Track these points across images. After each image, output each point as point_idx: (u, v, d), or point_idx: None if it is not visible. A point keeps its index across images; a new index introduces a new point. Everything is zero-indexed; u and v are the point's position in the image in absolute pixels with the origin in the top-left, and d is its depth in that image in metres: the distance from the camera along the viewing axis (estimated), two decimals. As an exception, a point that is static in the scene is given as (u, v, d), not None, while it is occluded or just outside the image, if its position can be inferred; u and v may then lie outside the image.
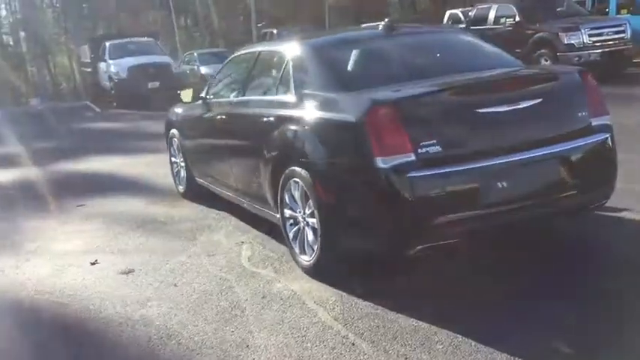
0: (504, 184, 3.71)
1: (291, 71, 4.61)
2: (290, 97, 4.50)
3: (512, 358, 2.98)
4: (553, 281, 3.82)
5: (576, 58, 13.12)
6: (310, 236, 4.20)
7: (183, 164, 6.74)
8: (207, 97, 6.09)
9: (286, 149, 4.38)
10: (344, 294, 3.89)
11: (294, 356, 3.22)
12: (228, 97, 5.77)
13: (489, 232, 3.88)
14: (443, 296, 3.76)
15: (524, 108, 3.78)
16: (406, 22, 23.09)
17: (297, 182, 4.21)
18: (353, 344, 3.27)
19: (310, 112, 4.20)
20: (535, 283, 3.84)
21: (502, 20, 15.36)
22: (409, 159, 3.54)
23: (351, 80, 4.26)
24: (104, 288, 4.46)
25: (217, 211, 6.14)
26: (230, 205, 5.87)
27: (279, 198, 4.47)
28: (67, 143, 13.44)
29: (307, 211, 4.18)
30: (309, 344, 3.32)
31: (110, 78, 22.44)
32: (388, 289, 3.92)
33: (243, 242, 5.16)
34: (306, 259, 4.26)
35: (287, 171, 4.29)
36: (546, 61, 13.65)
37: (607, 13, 16.83)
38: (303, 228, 4.28)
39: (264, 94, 5.08)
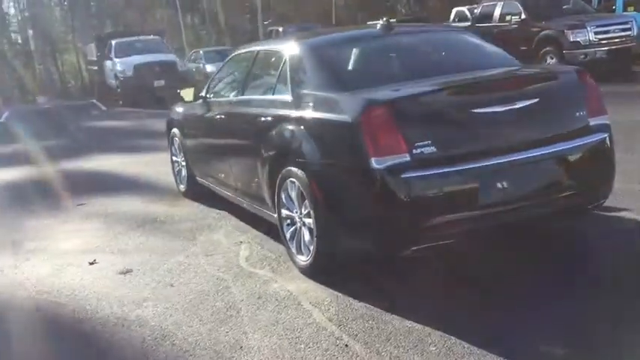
0: (501, 184, 3.69)
1: (288, 71, 4.59)
2: (287, 97, 4.49)
3: (505, 360, 2.97)
4: (550, 282, 3.80)
5: (582, 56, 13.05)
6: (307, 236, 4.20)
7: (184, 163, 6.75)
8: (207, 96, 6.09)
9: (283, 149, 4.37)
10: (340, 294, 3.88)
11: (287, 358, 3.21)
12: (228, 96, 5.78)
13: (486, 232, 3.86)
14: (438, 297, 3.74)
15: (520, 108, 3.75)
16: (410, 20, 23.12)
17: (293, 182, 4.20)
18: (346, 345, 3.26)
19: (306, 112, 4.19)
20: (531, 284, 3.81)
21: (508, 18, 15.29)
22: (404, 159, 3.52)
23: (348, 80, 4.25)
24: (102, 288, 4.46)
25: (218, 211, 6.14)
26: (230, 205, 5.86)
27: (276, 198, 4.47)
28: (71, 142, 13.50)
29: (304, 212, 4.18)
30: (302, 346, 3.31)
31: (116, 76, 22.48)
32: (384, 289, 3.91)
33: (242, 242, 5.16)
34: (303, 260, 4.26)
35: (284, 171, 4.28)
36: (552, 58, 13.60)
37: (613, 11, 16.72)
38: (300, 228, 4.28)
39: (263, 93, 5.09)
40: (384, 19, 4.87)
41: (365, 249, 3.96)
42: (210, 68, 22.78)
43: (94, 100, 25.82)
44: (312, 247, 4.12)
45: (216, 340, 3.47)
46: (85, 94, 34.96)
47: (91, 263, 4.99)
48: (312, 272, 4.19)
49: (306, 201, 4.07)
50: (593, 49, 13.16)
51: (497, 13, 15.64)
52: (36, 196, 7.82)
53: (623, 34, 13.49)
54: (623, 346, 3.05)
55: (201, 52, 26.54)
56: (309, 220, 4.10)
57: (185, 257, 4.93)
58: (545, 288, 3.74)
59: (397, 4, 38.04)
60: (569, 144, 3.87)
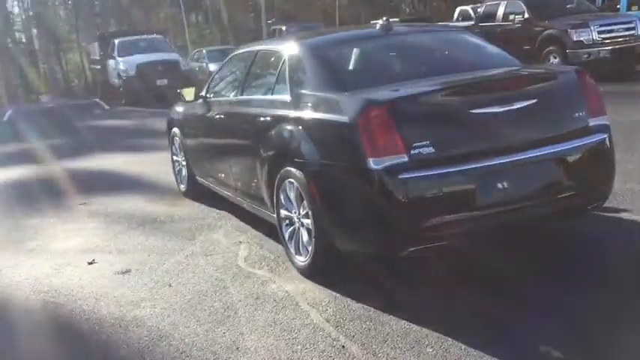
0: (499, 185, 3.66)
1: (287, 71, 4.58)
2: (286, 97, 4.48)
3: (501, 362, 2.95)
4: (550, 282, 3.78)
5: (585, 56, 13.00)
6: (305, 237, 4.19)
7: (184, 163, 6.74)
8: (207, 95, 6.08)
9: (281, 149, 4.36)
10: (338, 295, 3.87)
11: (283, 359, 3.20)
12: (227, 96, 5.77)
13: (485, 233, 3.82)
14: (437, 297, 3.72)
15: (519, 108, 3.72)
16: (413, 19, 23.10)
17: (292, 183, 4.19)
18: (343, 347, 3.24)
19: (305, 112, 4.17)
20: (531, 284, 3.79)
21: (511, 17, 15.25)
22: (402, 160, 3.50)
23: (347, 80, 4.23)
24: (100, 288, 4.46)
25: (217, 211, 6.13)
26: (230, 205, 5.86)
27: (274, 198, 4.46)
28: (74, 141, 13.53)
29: (302, 212, 4.17)
30: (299, 347, 3.30)
31: (119, 75, 22.51)
32: (382, 290, 3.89)
33: (241, 242, 5.15)
34: (301, 260, 4.25)
35: (282, 171, 4.27)
36: (555, 58, 13.55)
37: (617, 10, 16.66)
38: (298, 228, 4.27)
39: (262, 93, 5.07)
40: (384, 18, 4.85)
41: (362, 249, 3.95)
42: (213, 67, 22.70)
43: (97, 99, 25.87)
44: (310, 248, 4.11)
45: (213, 340, 3.46)
46: (89, 93, 35.07)
47: (90, 263, 4.99)
48: (311, 273, 4.18)
49: (305, 201, 4.06)
50: (596, 49, 13.10)
51: (500, 12, 15.61)
52: (39, 195, 7.86)
53: (626, 33, 13.42)
54: (623, 347, 3.03)
55: (204, 51, 26.51)
56: (307, 221, 4.09)
57: (184, 257, 4.92)
58: (545, 288, 3.72)
59: (401, 4, 37.99)
60: (568, 144, 3.84)
